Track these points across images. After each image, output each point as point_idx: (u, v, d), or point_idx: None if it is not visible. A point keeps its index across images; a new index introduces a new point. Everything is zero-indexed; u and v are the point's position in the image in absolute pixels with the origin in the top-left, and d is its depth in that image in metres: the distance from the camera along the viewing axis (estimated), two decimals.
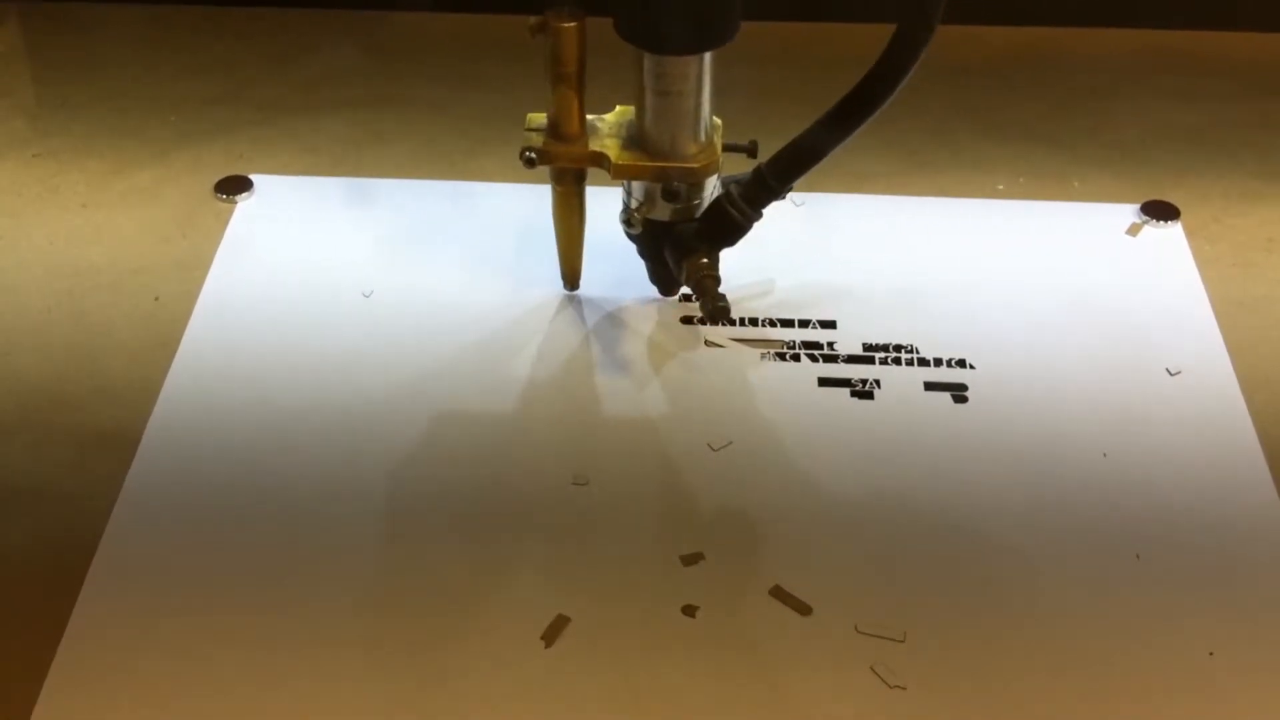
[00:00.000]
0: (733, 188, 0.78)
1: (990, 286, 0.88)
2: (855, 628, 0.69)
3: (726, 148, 0.79)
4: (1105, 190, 0.97)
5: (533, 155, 0.79)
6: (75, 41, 1.11)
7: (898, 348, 0.84)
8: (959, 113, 1.04)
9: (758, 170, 0.77)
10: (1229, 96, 1.06)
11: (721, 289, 0.80)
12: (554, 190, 0.83)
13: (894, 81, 0.71)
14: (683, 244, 0.80)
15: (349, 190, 0.96)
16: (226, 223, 0.93)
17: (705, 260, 0.79)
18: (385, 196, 0.96)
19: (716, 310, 0.77)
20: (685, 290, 0.88)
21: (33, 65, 1.10)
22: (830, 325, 0.86)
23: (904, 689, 0.67)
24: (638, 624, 0.69)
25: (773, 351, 0.84)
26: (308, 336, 0.85)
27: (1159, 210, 0.94)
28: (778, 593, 0.71)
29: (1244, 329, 0.86)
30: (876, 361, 0.84)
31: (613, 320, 0.86)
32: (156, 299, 0.88)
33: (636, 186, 0.80)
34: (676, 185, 0.78)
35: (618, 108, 0.81)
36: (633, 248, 0.85)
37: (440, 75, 1.08)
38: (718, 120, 0.79)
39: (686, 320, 0.86)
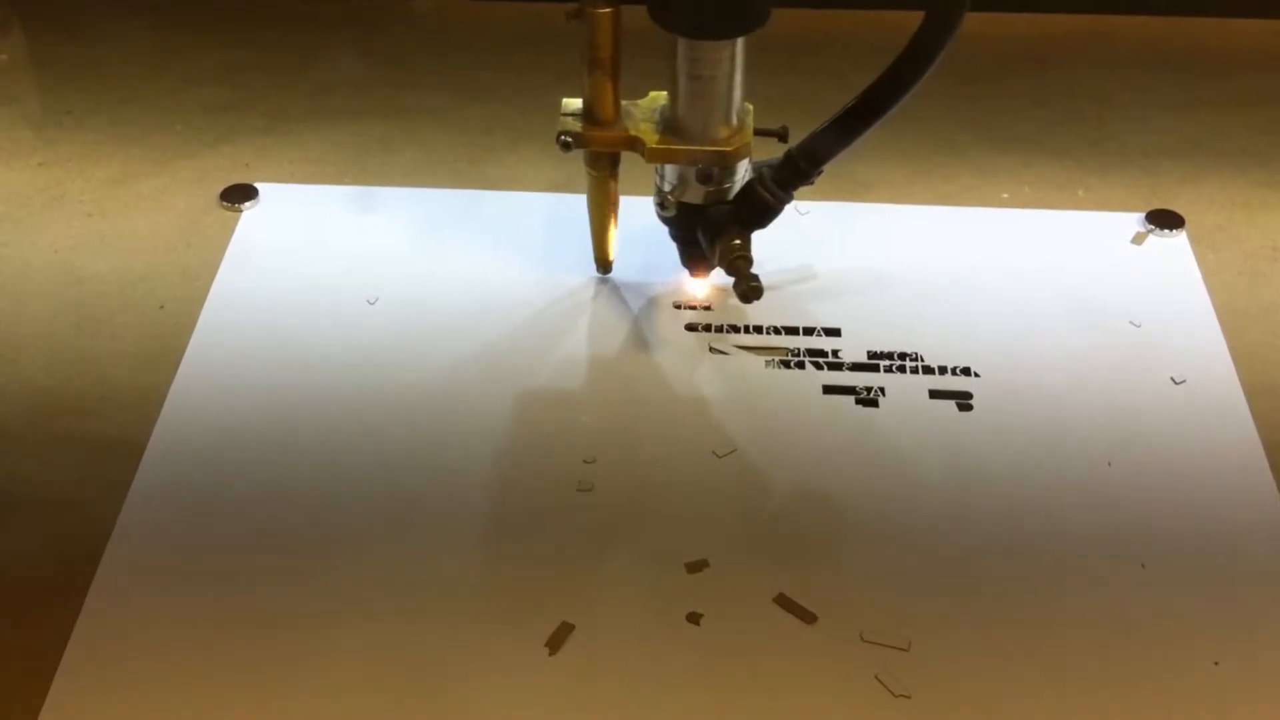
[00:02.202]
0: (764, 170, 0.80)
1: (995, 295, 0.88)
2: (860, 636, 0.69)
3: (758, 132, 0.80)
4: (1110, 199, 0.97)
5: (568, 139, 0.80)
6: (80, 50, 1.11)
7: (902, 356, 0.84)
8: (964, 121, 1.04)
9: (789, 153, 0.79)
10: (1234, 105, 1.06)
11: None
12: (588, 175, 0.84)
13: (922, 66, 0.72)
14: (716, 226, 0.81)
15: (354, 198, 0.96)
16: (232, 231, 0.93)
17: (738, 242, 0.80)
18: (390, 204, 0.96)
19: (749, 290, 0.78)
20: (685, 301, 0.88)
21: (38, 74, 1.10)
22: (835, 333, 0.86)
23: (909, 698, 0.67)
24: (642, 631, 0.69)
25: (777, 359, 0.84)
26: (312, 344, 0.85)
27: (1163, 219, 0.94)
28: (782, 600, 0.71)
29: (1249, 337, 0.86)
30: (881, 369, 0.83)
31: (616, 328, 0.86)
32: (162, 307, 0.88)
33: (670, 170, 0.82)
34: (711, 168, 0.79)
35: (650, 93, 0.82)
36: (658, 234, 0.86)
37: (444, 84, 1.08)
38: (749, 105, 0.80)
39: (690, 328, 0.86)
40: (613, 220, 0.86)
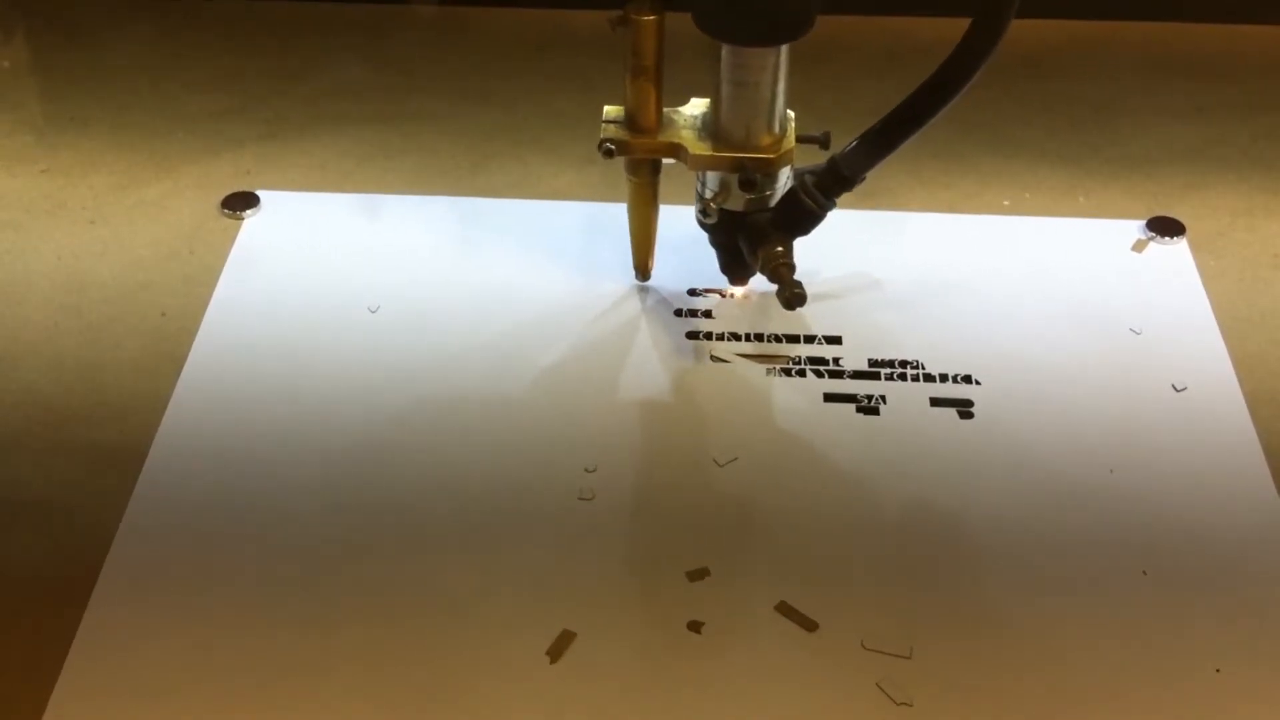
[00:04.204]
0: (807, 177, 0.80)
1: (996, 302, 0.88)
2: (861, 644, 0.69)
3: (800, 138, 0.80)
4: (1111, 206, 0.97)
5: (611, 146, 0.80)
6: (83, 57, 1.12)
7: (903, 363, 0.84)
8: (965, 128, 1.04)
9: (832, 160, 0.79)
10: (1234, 112, 1.06)
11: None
12: (629, 182, 0.84)
13: (966, 74, 0.72)
14: (758, 233, 0.81)
15: (355, 206, 0.96)
16: (233, 238, 0.93)
17: (780, 249, 0.80)
18: (391, 212, 0.96)
19: (793, 297, 0.79)
20: (692, 306, 0.88)
21: (41, 80, 1.10)
22: (836, 341, 0.86)
23: (910, 705, 0.67)
24: (643, 639, 0.69)
25: (778, 367, 0.84)
26: (314, 351, 0.85)
27: (1164, 226, 0.94)
28: (783, 608, 0.71)
29: (1250, 344, 0.86)
30: (882, 377, 0.83)
31: (617, 335, 0.86)
32: (163, 314, 0.88)
33: (711, 177, 0.81)
34: (753, 175, 0.79)
35: (692, 100, 0.82)
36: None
37: (445, 92, 1.08)
38: (790, 112, 0.80)
39: (692, 335, 0.86)
40: (653, 227, 0.86)
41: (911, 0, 1.12)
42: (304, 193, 0.98)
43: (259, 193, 0.96)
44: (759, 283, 0.88)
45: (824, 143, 0.80)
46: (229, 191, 0.97)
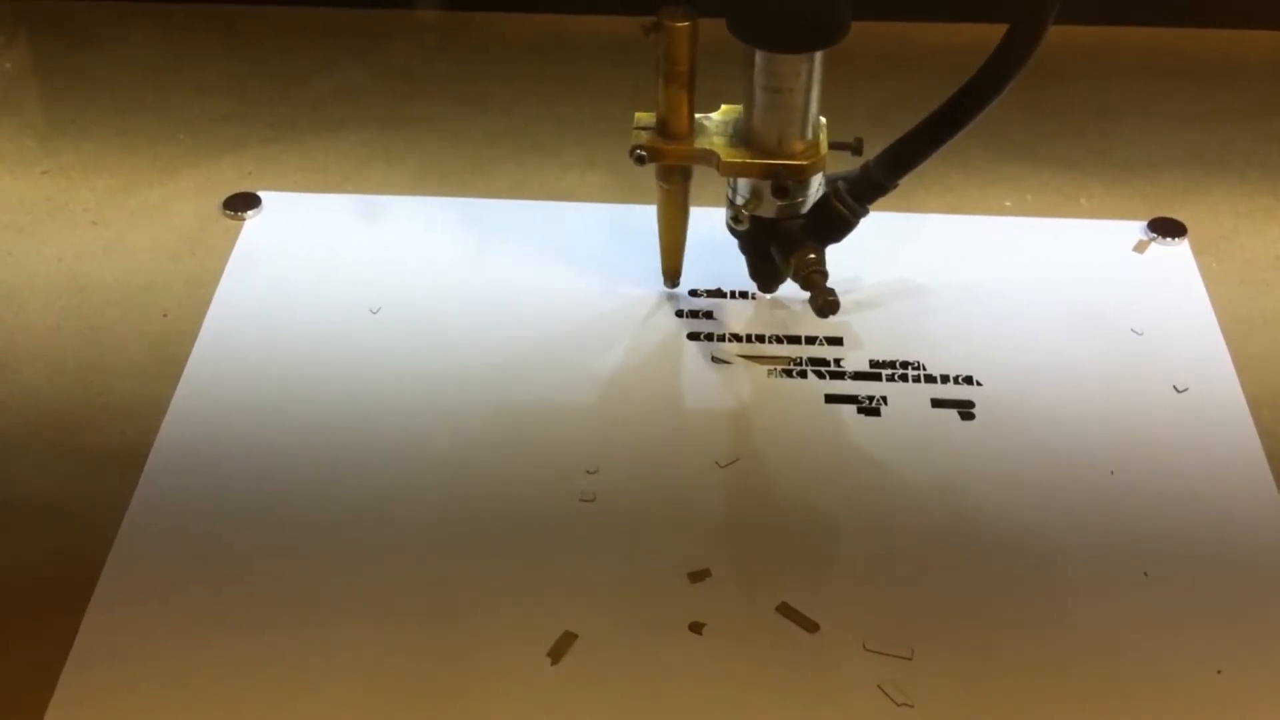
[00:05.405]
0: (840, 184, 0.79)
1: (997, 303, 0.88)
2: (863, 645, 0.69)
3: (832, 145, 0.80)
4: (1112, 207, 0.97)
5: (643, 153, 0.80)
6: (84, 60, 1.12)
7: (904, 364, 0.84)
8: (968, 130, 1.04)
9: (866, 167, 0.78)
10: (1236, 115, 1.06)
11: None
12: (660, 189, 0.84)
13: (1003, 80, 0.72)
14: (790, 240, 0.81)
15: (357, 207, 0.96)
16: (235, 240, 0.93)
17: (813, 256, 0.80)
18: (393, 213, 0.96)
19: (826, 304, 0.78)
20: (693, 307, 0.88)
21: (42, 83, 1.10)
22: (837, 342, 0.86)
23: (912, 707, 0.67)
24: (644, 641, 0.69)
25: (779, 368, 0.84)
26: (315, 353, 0.85)
27: (1166, 227, 0.94)
28: (785, 610, 0.71)
29: (1251, 346, 0.86)
30: (883, 378, 0.83)
31: (618, 337, 0.86)
32: (165, 316, 0.88)
33: (743, 184, 0.81)
34: (787, 182, 0.79)
35: (724, 106, 0.82)
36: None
37: (447, 94, 1.08)
38: (823, 118, 0.80)
39: (693, 337, 0.86)
40: (683, 234, 0.86)
41: (913, 7, 1.12)
42: (305, 194, 0.98)
43: (260, 194, 0.96)
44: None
45: (857, 149, 0.80)
46: (230, 193, 0.97)
